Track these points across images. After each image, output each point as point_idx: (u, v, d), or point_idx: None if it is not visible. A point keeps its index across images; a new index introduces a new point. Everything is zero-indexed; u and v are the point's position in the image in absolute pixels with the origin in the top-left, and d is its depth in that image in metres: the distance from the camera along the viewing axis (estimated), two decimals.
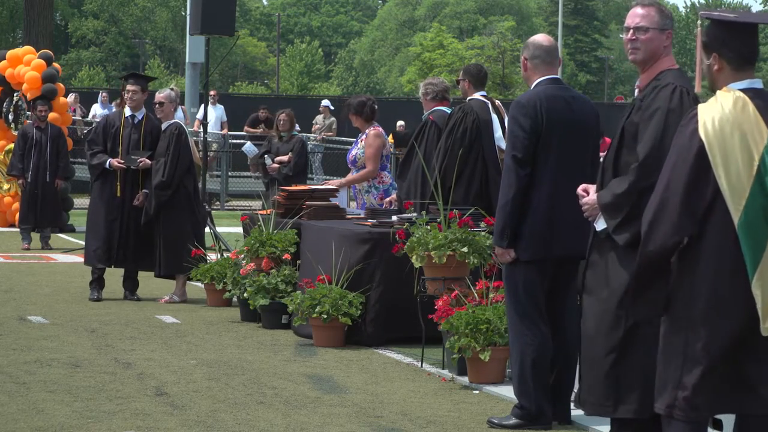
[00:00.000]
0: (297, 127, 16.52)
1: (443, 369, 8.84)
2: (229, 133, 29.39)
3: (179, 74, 75.16)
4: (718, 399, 5.19)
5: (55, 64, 20.77)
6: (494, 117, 10.05)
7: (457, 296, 8.53)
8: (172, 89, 13.00)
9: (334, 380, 8.55)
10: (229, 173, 28.32)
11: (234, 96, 46.83)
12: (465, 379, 8.45)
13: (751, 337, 5.13)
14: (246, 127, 29.71)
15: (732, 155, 5.10)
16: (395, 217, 9.84)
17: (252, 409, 7.58)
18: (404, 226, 9.18)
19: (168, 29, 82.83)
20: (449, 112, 10.43)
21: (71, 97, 29.34)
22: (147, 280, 13.03)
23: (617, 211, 6.00)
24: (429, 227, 8.75)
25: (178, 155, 12.28)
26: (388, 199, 11.40)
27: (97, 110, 29.72)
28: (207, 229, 13.80)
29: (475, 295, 8.53)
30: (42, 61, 20.33)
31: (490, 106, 10.11)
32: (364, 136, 11.83)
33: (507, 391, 7.87)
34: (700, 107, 5.23)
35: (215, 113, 28.50)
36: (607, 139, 9.35)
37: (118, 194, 12.43)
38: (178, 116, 13.17)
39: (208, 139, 23.39)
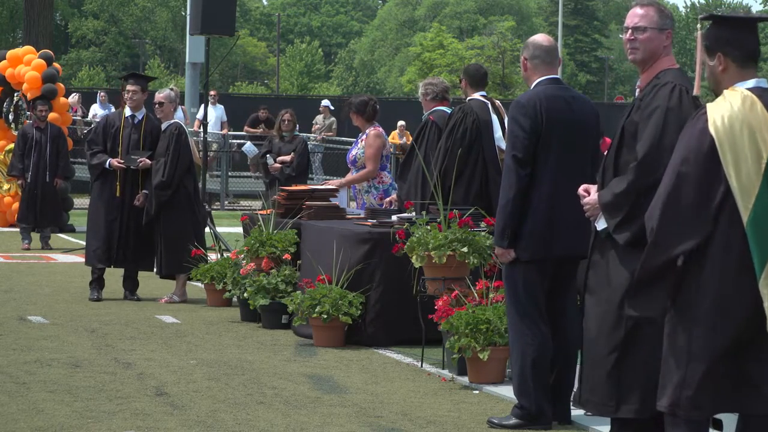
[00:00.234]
0: (297, 127, 16.51)
1: (443, 369, 8.84)
2: (230, 133, 29.39)
3: (179, 74, 75.16)
4: (721, 398, 5.19)
5: (56, 64, 20.77)
6: (494, 117, 10.05)
7: (457, 296, 8.53)
8: (171, 89, 13.01)
9: (334, 380, 8.55)
10: (229, 173, 28.31)
11: (234, 96, 46.83)
12: (465, 379, 8.44)
13: (755, 337, 5.13)
14: (246, 127, 29.71)
15: (742, 153, 5.09)
16: (395, 217, 9.84)
17: (252, 409, 7.58)
18: (404, 226, 9.18)
19: (168, 29, 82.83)
20: (449, 112, 10.43)
21: (74, 97, 29.35)
22: (147, 280, 13.03)
23: (617, 211, 6.00)
24: (429, 227, 8.75)
25: (178, 155, 12.28)
26: (388, 199, 11.40)
27: (96, 110, 29.71)
28: (207, 229, 13.80)
29: (475, 295, 8.53)
30: (42, 61, 20.33)
31: (490, 106, 10.10)
32: (364, 136, 11.83)
33: (507, 391, 7.87)
34: (709, 106, 5.22)
35: (215, 113, 28.49)
36: (607, 139, 9.34)
37: (118, 194, 12.43)
38: (178, 116, 13.16)
39: (208, 139, 23.39)
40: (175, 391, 8.05)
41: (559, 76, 7.43)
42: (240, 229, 12.96)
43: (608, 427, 6.28)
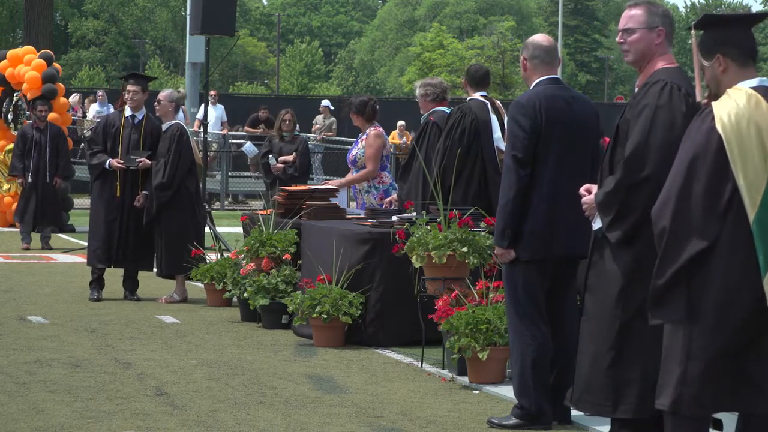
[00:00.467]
0: (297, 127, 16.51)
1: (443, 369, 8.84)
2: (230, 133, 29.38)
3: (179, 74, 75.15)
4: (723, 396, 5.18)
5: (56, 64, 20.78)
6: (493, 117, 10.04)
7: (457, 296, 8.53)
8: (178, 90, 12.96)
9: (334, 380, 8.55)
10: (229, 173, 28.31)
11: (234, 96, 46.82)
12: (465, 379, 8.45)
13: (757, 336, 5.13)
14: (246, 127, 29.70)
15: (749, 150, 5.09)
16: (395, 217, 9.84)
17: (252, 409, 7.58)
18: (404, 226, 9.18)
19: (168, 29, 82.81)
20: (449, 112, 10.44)
21: (75, 97, 29.34)
22: (147, 280, 13.03)
23: (609, 209, 6.02)
24: (429, 227, 8.75)
25: (179, 157, 12.28)
26: (388, 199, 11.40)
27: (95, 109, 29.70)
28: (207, 229, 13.80)
29: (475, 295, 8.53)
30: (42, 61, 20.33)
31: (489, 106, 10.10)
32: (364, 136, 11.83)
33: (507, 391, 7.87)
34: (714, 104, 5.22)
35: (215, 113, 28.49)
36: (607, 139, 9.34)
37: (118, 194, 12.43)
38: (179, 117, 13.15)
39: (208, 139, 23.38)
40: (175, 391, 8.05)
41: (558, 76, 7.43)
42: (240, 229, 12.96)
43: (608, 427, 6.28)
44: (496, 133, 9.96)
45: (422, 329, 8.96)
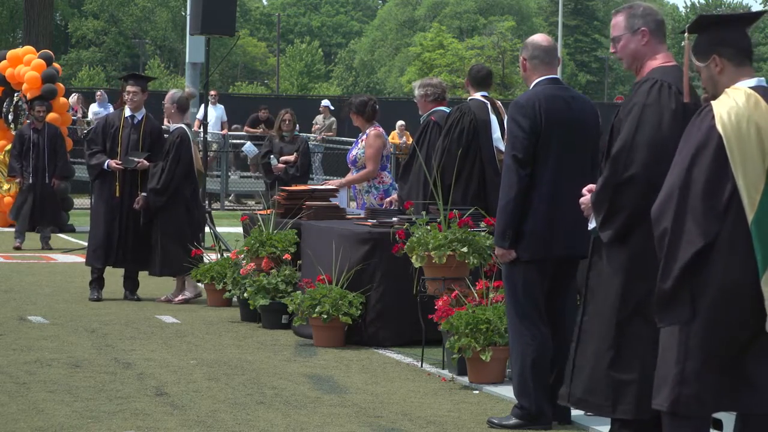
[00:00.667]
0: (297, 127, 16.50)
1: (443, 369, 8.84)
2: (230, 133, 29.38)
3: (179, 74, 75.16)
4: (722, 396, 5.17)
5: (55, 64, 20.77)
6: (493, 117, 10.04)
7: (457, 296, 8.53)
8: (185, 90, 12.90)
9: (334, 380, 8.55)
10: (229, 173, 28.31)
11: (234, 96, 46.81)
12: (465, 379, 8.45)
13: (755, 336, 5.12)
14: (246, 127, 29.70)
15: (749, 151, 5.08)
16: (395, 218, 9.84)
17: (252, 409, 7.58)
18: (404, 227, 9.18)
19: (168, 29, 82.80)
20: (449, 111, 10.44)
21: (74, 98, 29.31)
22: (147, 280, 13.03)
23: (599, 209, 6.03)
24: (429, 227, 8.75)
25: (176, 164, 12.27)
26: (388, 199, 11.40)
27: (94, 109, 29.70)
28: (207, 229, 13.80)
29: (475, 295, 8.53)
30: (42, 61, 20.33)
31: (489, 106, 10.10)
32: (364, 136, 11.82)
33: (507, 391, 7.87)
34: (713, 103, 5.21)
35: (215, 113, 28.49)
36: None
37: (117, 195, 12.43)
38: (189, 117, 13.12)
39: (208, 139, 23.38)
40: (175, 391, 8.05)
41: (558, 76, 7.43)
42: (240, 229, 12.96)
43: (608, 427, 6.28)
44: (496, 133, 9.96)
45: (422, 329, 8.96)
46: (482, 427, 7.24)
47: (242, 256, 11.42)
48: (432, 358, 9.09)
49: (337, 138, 30.45)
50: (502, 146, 9.59)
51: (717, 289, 5.11)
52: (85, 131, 25.73)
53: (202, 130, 17.33)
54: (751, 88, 5.22)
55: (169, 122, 12.69)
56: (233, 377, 8.57)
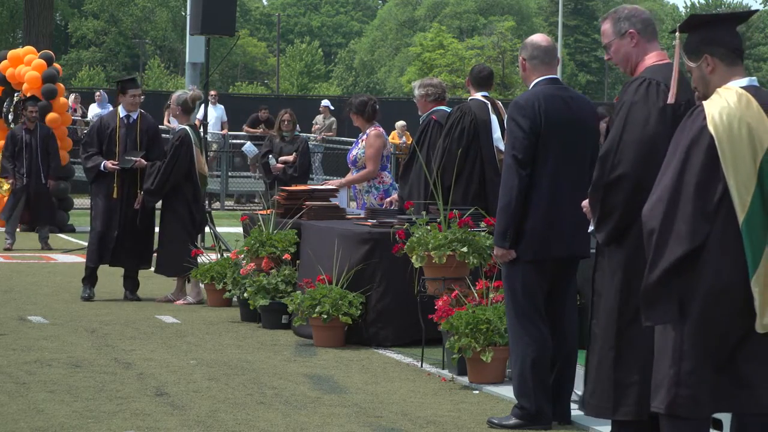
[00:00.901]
0: (297, 127, 16.50)
1: (443, 369, 8.84)
2: (229, 133, 29.38)
3: (179, 74, 75.15)
4: (719, 396, 5.17)
5: (56, 65, 20.77)
6: (493, 117, 10.05)
7: (457, 296, 8.53)
8: (193, 93, 12.87)
9: (334, 380, 8.55)
10: (230, 173, 28.31)
11: (234, 96, 46.81)
12: (465, 379, 8.45)
13: (747, 336, 5.12)
14: (246, 127, 29.69)
15: (740, 151, 5.07)
16: (395, 218, 9.84)
17: (252, 409, 7.58)
18: (404, 227, 9.18)
19: (168, 29, 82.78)
20: (449, 111, 10.45)
21: (71, 97, 29.29)
22: (147, 280, 13.04)
23: (593, 210, 6.03)
24: (429, 227, 8.75)
25: (172, 166, 12.28)
26: (388, 199, 11.40)
27: (94, 110, 29.68)
28: (207, 229, 13.80)
29: (475, 295, 8.53)
30: (42, 61, 20.33)
31: (489, 106, 10.11)
32: (364, 137, 11.82)
33: (507, 391, 7.87)
34: (705, 103, 5.20)
35: (215, 113, 28.49)
36: None
37: (115, 196, 12.43)
38: (194, 117, 13.10)
39: (208, 139, 23.37)
40: (175, 391, 8.05)
41: (557, 76, 7.43)
42: (240, 229, 12.96)
43: (608, 427, 6.28)
44: (496, 133, 9.97)
45: (422, 329, 8.96)
46: (482, 427, 7.24)
47: (242, 256, 11.42)
48: (432, 358, 9.09)
49: (337, 138, 30.45)
50: (502, 146, 9.59)
51: (708, 289, 5.10)
52: (85, 131, 25.73)
53: (202, 130, 17.33)
54: (742, 87, 5.21)
55: (169, 122, 12.69)
56: (233, 377, 8.57)
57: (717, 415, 6.30)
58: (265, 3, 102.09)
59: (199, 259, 12.23)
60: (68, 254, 16.88)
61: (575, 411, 7.35)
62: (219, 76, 75.94)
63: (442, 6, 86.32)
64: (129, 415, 7.34)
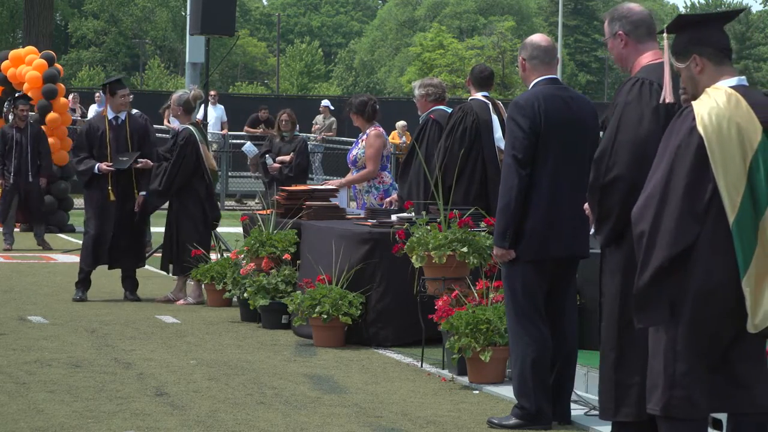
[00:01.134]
0: (296, 127, 16.49)
1: (443, 369, 8.84)
2: (229, 133, 29.37)
3: (179, 74, 75.17)
4: (714, 397, 5.16)
5: (58, 65, 20.78)
6: (494, 117, 10.06)
7: (457, 296, 8.53)
8: (194, 93, 12.86)
9: (334, 380, 8.55)
10: (230, 173, 28.31)
11: (234, 96, 46.81)
12: (465, 379, 8.45)
13: (739, 336, 5.11)
14: (246, 127, 29.70)
15: (730, 151, 5.06)
16: (395, 217, 9.84)
17: (252, 409, 7.58)
18: (404, 226, 9.18)
19: (168, 29, 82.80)
20: (450, 111, 10.46)
21: (69, 98, 29.27)
22: (147, 280, 13.04)
23: (592, 213, 6.03)
24: (429, 227, 8.75)
25: (178, 166, 12.26)
26: (388, 199, 11.40)
27: (94, 110, 29.67)
28: None
29: (475, 295, 8.53)
30: (43, 61, 20.34)
31: (490, 106, 10.11)
32: (364, 137, 11.83)
33: (507, 391, 7.87)
34: (694, 103, 5.19)
35: (215, 113, 28.49)
36: None
37: (111, 198, 12.40)
38: (196, 117, 13.08)
39: (208, 139, 23.32)
40: (175, 391, 8.05)
41: (557, 76, 7.43)
42: (240, 229, 12.96)
43: (608, 428, 6.27)
44: (497, 132, 9.97)
45: (422, 329, 8.96)
46: (482, 427, 7.24)
47: (242, 256, 11.42)
48: (432, 358, 9.09)
49: (337, 138, 30.46)
50: (503, 146, 9.59)
51: (699, 290, 5.09)
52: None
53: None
54: (731, 87, 5.19)
55: (169, 123, 12.69)
56: (233, 377, 8.57)
57: (717, 415, 6.30)
58: (265, 3, 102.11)
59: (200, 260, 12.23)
60: (68, 254, 16.87)
61: (575, 411, 7.35)
62: (219, 76, 75.96)
63: (442, 6, 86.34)
64: (129, 415, 7.34)
